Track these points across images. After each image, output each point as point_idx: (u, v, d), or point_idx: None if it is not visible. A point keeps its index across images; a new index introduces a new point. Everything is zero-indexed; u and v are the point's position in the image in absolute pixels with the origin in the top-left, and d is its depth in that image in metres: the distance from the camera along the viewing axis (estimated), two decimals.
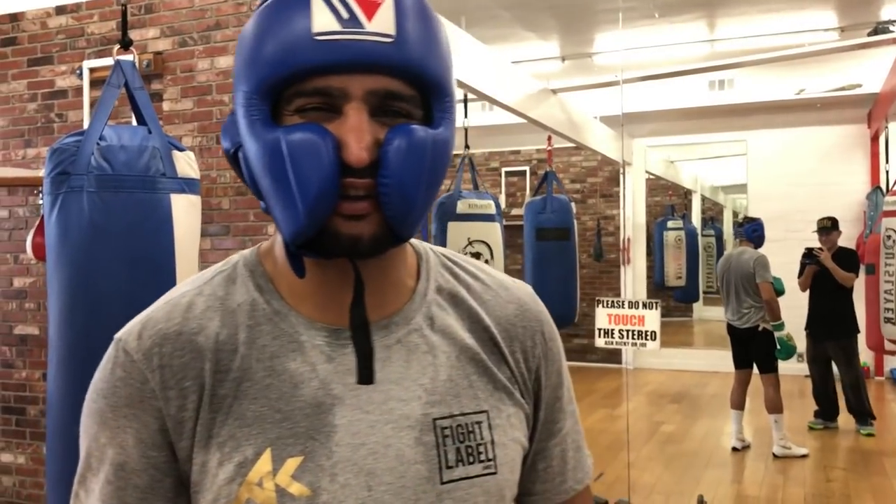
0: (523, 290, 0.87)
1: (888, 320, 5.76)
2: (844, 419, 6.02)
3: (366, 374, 0.72)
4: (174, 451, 0.71)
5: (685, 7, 6.13)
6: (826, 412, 6.05)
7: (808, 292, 5.97)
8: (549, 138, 6.34)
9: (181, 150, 2.59)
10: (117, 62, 2.54)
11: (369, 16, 0.65)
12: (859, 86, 7.05)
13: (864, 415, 5.86)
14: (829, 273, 5.71)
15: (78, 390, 2.52)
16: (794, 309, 5.97)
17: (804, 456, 5.21)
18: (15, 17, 4.28)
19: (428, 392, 0.74)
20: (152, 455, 0.71)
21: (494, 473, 0.75)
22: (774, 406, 5.28)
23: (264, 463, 0.69)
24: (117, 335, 0.74)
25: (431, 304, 0.79)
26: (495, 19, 6.03)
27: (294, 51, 0.64)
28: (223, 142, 0.73)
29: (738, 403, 5.46)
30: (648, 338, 3.20)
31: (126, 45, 2.58)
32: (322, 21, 0.64)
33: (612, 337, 3.28)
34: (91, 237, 2.38)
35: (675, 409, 6.96)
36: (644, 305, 3.26)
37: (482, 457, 0.75)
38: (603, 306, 3.29)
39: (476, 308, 0.81)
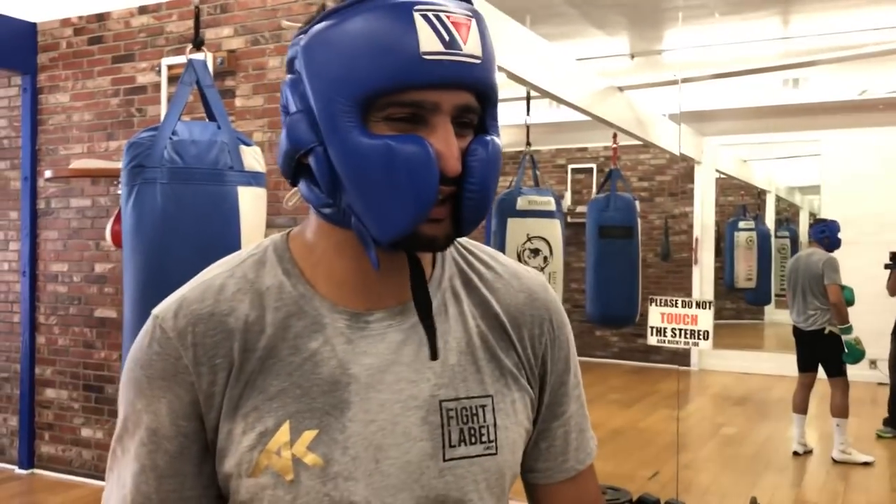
0: (535, 279, 0.91)
1: None
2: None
3: (434, 351, 0.79)
4: (203, 421, 0.77)
5: (759, 3, 6.02)
6: None
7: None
8: (615, 136, 6.33)
9: (248, 144, 2.73)
10: (190, 61, 2.69)
11: (464, 38, 0.71)
12: None
13: None
14: None
15: None
16: (866, 314, 5.81)
17: (867, 463, 5.09)
18: (102, 17, 4.53)
19: (437, 375, 0.80)
20: (182, 424, 0.77)
21: (494, 454, 0.81)
22: (840, 410, 5.17)
23: (283, 434, 0.75)
24: (155, 311, 0.79)
25: (446, 291, 0.84)
26: (562, 16, 6.04)
27: (404, 68, 0.69)
28: (287, 142, 0.75)
29: (801, 407, 5.36)
30: (701, 337, 3.21)
31: (198, 44, 2.73)
32: (428, 42, 0.69)
33: (665, 335, 3.30)
34: (163, 226, 2.54)
35: (737, 411, 6.87)
36: (697, 305, 3.27)
37: (484, 438, 0.80)
38: (656, 305, 3.31)
39: (487, 296, 0.86)
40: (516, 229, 4.53)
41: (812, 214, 12.32)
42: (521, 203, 4.52)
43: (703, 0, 5.77)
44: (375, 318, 0.80)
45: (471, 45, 0.71)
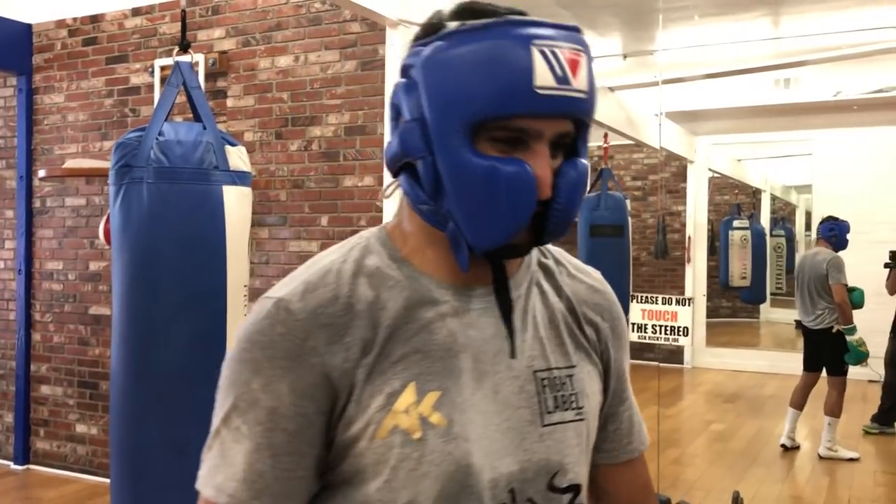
0: (596, 275, 1.01)
1: None
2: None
3: (512, 349, 0.86)
4: (326, 400, 0.80)
5: (749, 4, 6.07)
6: (887, 416, 5.94)
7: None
8: (606, 136, 6.38)
9: (233, 144, 2.79)
10: (176, 63, 2.75)
11: (574, 74, 0.77)
12: None
13: None
14: None
15: (137, 364, 2.73)
16: (860, 312, 5.82)
17: (853, 459, 5.15)
18: (95, 19, 4.59)
19: (530, 347, 0.88)
20: (303, 404, 0.80)
21: (583, 420, 0.89)
22: (833, 409, 5.22)
23: (409, 394, 0.80)
24: (276, 295, 0.83)
25: (534, 274, 0.93)
26: (554, 18, 6.08)
27: (519, 99, 0.75)
28: (399, 147, 0.82)
29: (799, 403, 5.39)
30: (680, 333, 3.26)
31: (185, 47, 2.78)
32: (543, 77, 0.75)
33: (646, 332, 3.36)
34: (150, 224, 2.60)
35: (728, 408, 6.93)
36: (677, 302, 3.33)
37: (573, 405, 0.88)
38: (637, 301, 3.37)
39: (561, 283, 0.95)
40: None
41: (808, 213, 12.37)
42: None
43: (695, 1, 5.82)
44: (478, 293, 0.86)
45: (580, 81, 0.77)
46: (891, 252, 5.85)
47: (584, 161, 0.82)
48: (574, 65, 0.77)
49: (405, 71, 0.82)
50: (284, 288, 0.84)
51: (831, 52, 5.95)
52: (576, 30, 0.79)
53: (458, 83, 0.76)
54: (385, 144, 0.87)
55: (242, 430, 0.80)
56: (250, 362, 0.81)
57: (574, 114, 0.78)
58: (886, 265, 5.86)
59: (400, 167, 0.84)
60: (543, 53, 0.75)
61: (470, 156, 0.76)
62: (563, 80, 0.76)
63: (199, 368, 2.60)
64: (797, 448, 5.43)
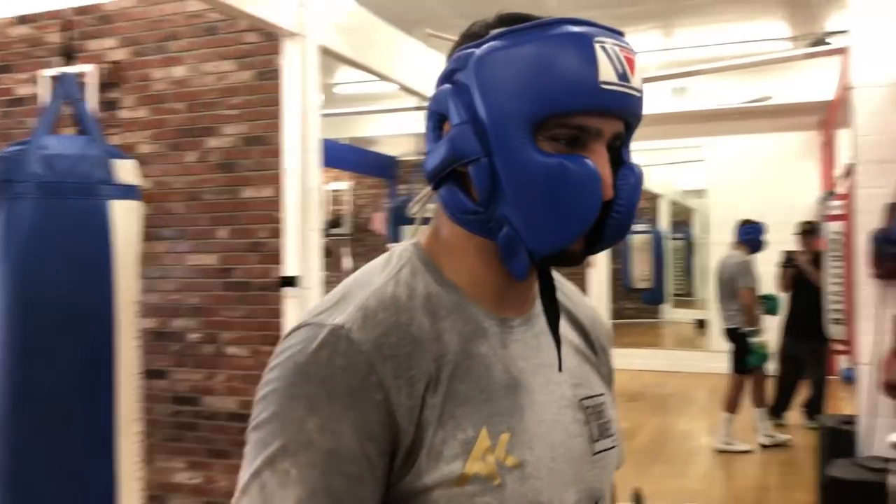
0: (588, 300, 1.01)
1: (834, 321, 5.95)
2: (791, 416, 6.20)
3: (560, 361, 0.83)
4: (392, 440, 0.73)
5: (640, 17, 6.30)
6: (778, 409, 6.23)
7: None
8: None
9: (121, 157, 2.72)
10: (60, 74, 2.67)
11: (632, 72, 0.75)
12: (769, 98, 7.26)
13: (817, 412, 6.05)
14: (808, 275, 5.81)
15: (22, 385, 2.60)
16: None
17: (748, 451, 5.39)
18: None
19: (571, 376, 0.86)
20: (367, 445, 0.72)
21: (616, 447, 0.89)
22: (729, 406, 5.48)
23: (483, 440, 0.75)
24: (333, 322, 0.75)
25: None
26: (454, 28, 6.17)
27: (584, 94, 0.72)
28: (451, 151, 0.76)
29: (758, 402, 5.66)
30: None
31: (69, 57, 2.71)
32: (606, 72, 0.73)
33: None
34: (33, 241, 2.51)
35: (630, 407, 7.13)
36: None
37: (610, 432, 0.88)
38: None
39: (571, 309, 0.94)
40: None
41: (705, 217, 12.87)
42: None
43: (583, 14, 6.00)
44: (516, 323, 0.84)
45: (636, 79, 0.76)
46: (786, 252, 6.14)
47: (636, 164, 0.81)
48: (630, 63, 0.76)
49: (449, 76, 0.79)
50: (338, 313, 0.76)
51: (719, 62, 6.23)
52: (622, 34, 0.79)
53: (521, 79, 0.73)
54: (422, 157, 0.82)
55: (292, 473, 0.71)
56: (303, 398, 0.72)
57: (633, 113, 0.77)
58: (783, 265, 6.14)
59: (440, 179, 0.79)
60: (605, 50, 0.74)
61: (535, 154, 0.73)
62: (623, 76, 0.75)
63: (85, 389, 2.52)
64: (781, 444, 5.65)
